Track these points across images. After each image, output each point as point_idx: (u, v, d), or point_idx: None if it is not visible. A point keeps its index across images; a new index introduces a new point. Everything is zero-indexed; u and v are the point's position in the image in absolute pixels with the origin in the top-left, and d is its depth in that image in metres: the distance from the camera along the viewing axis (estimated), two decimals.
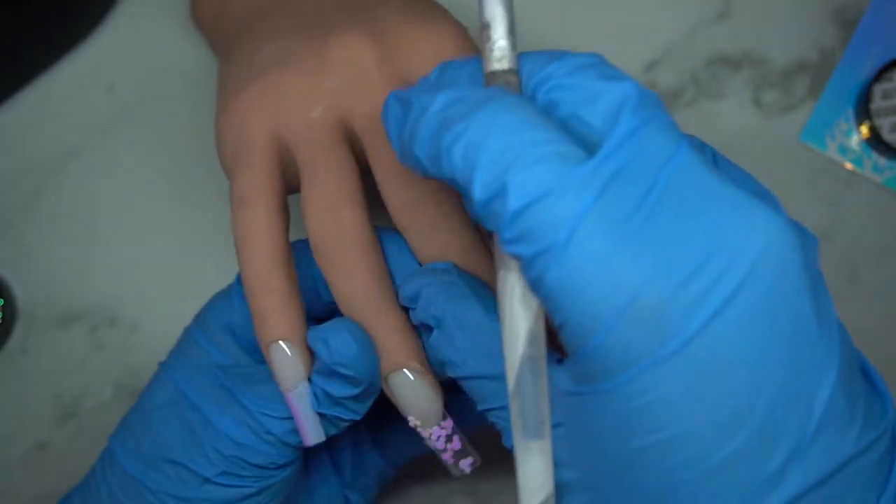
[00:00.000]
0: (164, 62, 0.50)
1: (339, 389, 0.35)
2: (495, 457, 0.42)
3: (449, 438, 0.36)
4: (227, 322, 0.39)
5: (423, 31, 0.37)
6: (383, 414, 0.41)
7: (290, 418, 0.36)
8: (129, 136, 0.50)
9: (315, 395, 0.35)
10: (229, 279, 0.49)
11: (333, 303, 0.38)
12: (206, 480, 0.36)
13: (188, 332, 0.40)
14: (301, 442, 0.36)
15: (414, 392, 0.35)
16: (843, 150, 0.51)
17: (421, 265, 0.36)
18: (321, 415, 0.35)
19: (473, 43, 0.38)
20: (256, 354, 0.39)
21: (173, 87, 0.50)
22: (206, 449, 0.36)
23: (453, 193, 0.35)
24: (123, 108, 0.50)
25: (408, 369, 0.35)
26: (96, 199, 0.49)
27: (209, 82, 0.49)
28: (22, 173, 0.49)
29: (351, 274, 0.35)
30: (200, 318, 0.40)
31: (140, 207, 0.49)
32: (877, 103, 0.50)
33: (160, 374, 0.39)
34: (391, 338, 0.35)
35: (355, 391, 0.35)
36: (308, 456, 0.41)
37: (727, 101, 0.50)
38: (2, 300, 0.48)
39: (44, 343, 0.49)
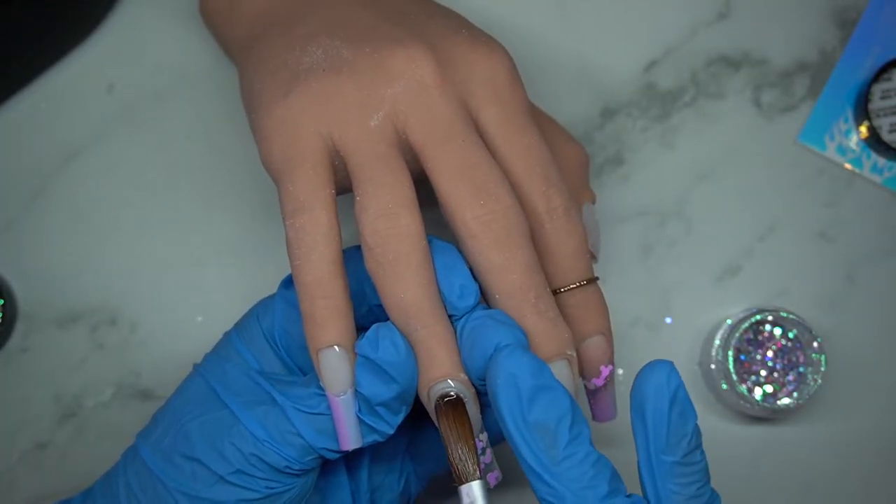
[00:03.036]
0: (164, 62, 0.50)
1: (378, 392, 0.35)
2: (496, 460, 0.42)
3: (483, 451, 0.36)
4: (267, 330, 0.39)
5: (478, 53, 0.38)
6: (416, 428, 0.42)
7: (322, 415, 0.36)
8: (129, 136, 0.50)
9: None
10: (230, 279, 0.49)
11: (378, 306, 0.38)
12: (220, 479, 0.36)
13: (227, 336, 0.40)
14: (326, 446, 0.36)
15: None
16: (842, 150, 0.51)
17: (479, 273, 0.36)
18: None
19: (516, 66, 0.39)
20: (292, 365, 0.40)
21: (173, 87, 0.50)
22: (225, 445, 0.36)
23: (522, 213, 0.36)
24: (123, 108, 0.50)
25: (454, 380, 0.35)
26: (96, 199, 0.49)
27: (210, 82, 0.49)
28: (22, 173, 0.49)
29: (404, 282, 0.35)
30: (241, 324, 0.40)
31: (140, 207, 0.49)
32: (876, 103, 0.50)
33: (192, 373, 0.39)
34: (437, 349, 0.35)
35: (390, 395, 0.35)
36: (328, 487, 0.41)
37: (727, 101, 0.50)
38: (2, 300, 0.48)
39: (44, 343, 0.49)
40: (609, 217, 0.50)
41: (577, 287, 0.38)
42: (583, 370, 0.39)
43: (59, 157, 0.49)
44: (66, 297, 0.49)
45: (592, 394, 0.39)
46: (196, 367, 0.40)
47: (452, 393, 0.35)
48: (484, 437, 0.36)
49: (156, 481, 0.37)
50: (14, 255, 0.49)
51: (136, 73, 0.50)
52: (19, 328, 0.49)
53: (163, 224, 0.49)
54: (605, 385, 0.39)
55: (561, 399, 0.33)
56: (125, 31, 0.50)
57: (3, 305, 0.48)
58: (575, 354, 0.36)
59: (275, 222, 0.48)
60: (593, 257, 0.44)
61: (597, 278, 0.38)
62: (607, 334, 0.39)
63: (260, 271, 0.48)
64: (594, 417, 0.40)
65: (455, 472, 0.34)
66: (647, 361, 0.49)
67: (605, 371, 0.39)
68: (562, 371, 0.36)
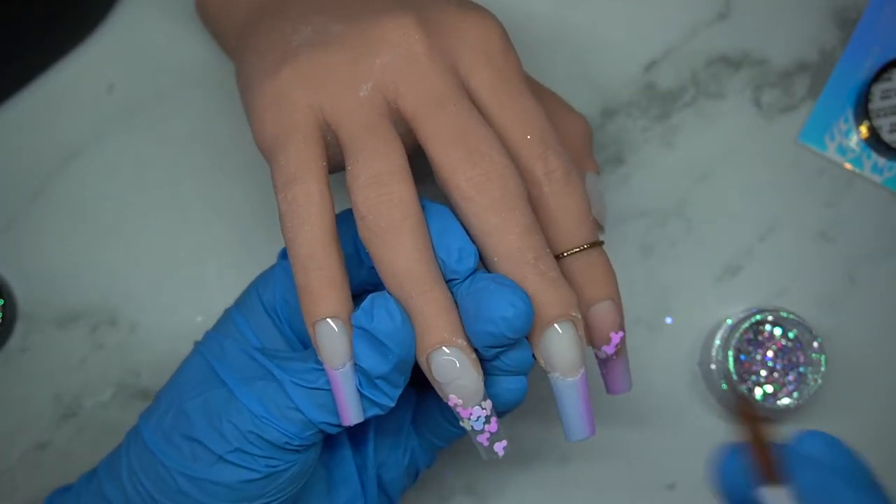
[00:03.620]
0: (164, 62, 0.50)
1: (376, 364, 0.35)
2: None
3: (487, 419, 0.35)
4: (268, 302, 0.39)
5: (468, 21, 0.37)
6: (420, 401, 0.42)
7: (321, 390, 0.36)
8: (129, 136, 0.50)
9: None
10: (229, 279, 0.49)
11: (372, 269, 0.38)
12: (219, 459, 0.36)
13: (228, 312, 0.40)
14: (326, 420, 0.36)
15: (457, 370, 0.34)
16: (843, 150, 0.51)
17: (476, 237, 0.36)
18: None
19: (507, 33, 0.38)
20: (293, 338, 0.39)
21: (173, 87, 0.50)
22: (223, 423, 0.36)
23: (518, 174, 0.36)
24: (123, 108, 0.50)
25: (452, 346, 0.34)
26: (96, 199, 0.49)
27: (210, 81, 0.50)
28: (22, 173, 0.49)
29: (398, 249, 0.35)
30: (241, 299, 0.40)
31: (140, 207, 0.49)
32: (876, 103, 0.50)
33: (193, 351, 0.39)
34: (436, 315, 0.34)
35: (389, 366, 0.35)
36: (332, 461, 0.41)
37: (727, 101, 0.50)
38: (2, 300, 0.48)
39: (44, 343, 0.49)
40: (609, 217, 0.50)
41: (581, 251, 0.37)
42: (592, 339, 0.37)
43: (59, 157, 0.49)
44: (66, 297, 0.49)
45: (604, 363, 0.38)
46: (196, 344, 0.39)
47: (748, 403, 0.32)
48: (487, 404, 0.35)
49: (156, 462, 0.37)
50: (14, 255, 0.49)
51: (136, 73, 0.50)
52: (19, 328, 0.49)
53: (163, 224, 0.49)
54: (616, 353, 0.38)
55: None
56: (125, 31, 0.50)
57: (3, 305, 0.48)
58: (580, 316, 0.35)
59: (275, 221, 0.48)
60: (600, 227, 0.43)
61: (601, 242, 0.37)
62: (616, 299, 0.37)
63: (260, 271, 0.47)
64: (608, 390, 0.38)
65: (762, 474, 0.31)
66: (648, 361, 0.50)
67: (616, 338, 0.37)
68: (567, 333, 0.35)
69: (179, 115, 0.50)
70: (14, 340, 0.49)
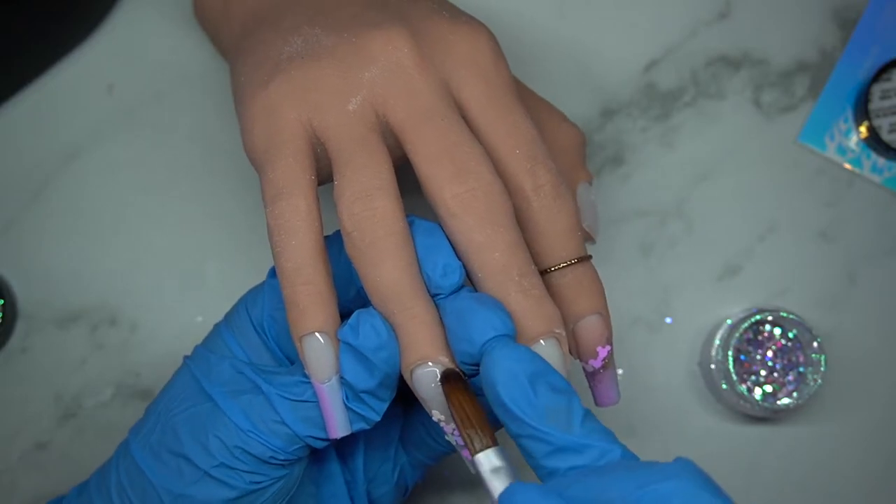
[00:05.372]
0: (164, 62, 0.50)
1: (362, 379, 0.35)
2: None
3: None
4: (256, 319, 0.39)
5: (459, 34, 0.37)
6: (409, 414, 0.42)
7: (307, 402, 0.36)
8: (129, 136, 0.50)
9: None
10: (229, 279, 0.49)
11: (362, 290, 0.38)
12: (204, 475, 0.36)
13: (216, 328, 0.40)
14: (312, 434, 0.36)
15: (439, 387, 0.34)
16: (842, 150, 0.51)
17: (461, 253, 0.35)
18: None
19: (499, 45, 0.38)
20: (280, 355, 0.40)
21: (173, 87, 0.50)
22: (209, 438, 0.36)
23: (505, 191, 0.36)
24: (123, 108, 0.50)
25: (433, 362, 0.34)
26: (96, 199, 0.49)
27: (209, 82, 0.49)
28: (22, 173, 0.49)
29: (381, 265, 0.35)
30: (230, 315, 0.40)
31: (140, 207, 0.49)
32: (875, 103, 0.50)
33: (182, 366, 0.39)
34: (419, 330, 0.34)
35: (374, 381, 0.35)
36: (321, 477, 0.41)
37: (727, 101, 0.50)
38: (2, 300, 0.48)
39: (44, 343, 0.49)
40: (609, 217, 0.50)
41: (568, 266, 0.37)
42: (579, 353, 0.38)
43: (59, 157, 0.49)
44: (66, 297, 0.49)
45: (591, 377, 0.38)
46: (185, 359, 0.39)
47: (440, 371, 0.34)
48: None
49: (143, 478, 0.37)
50: (14, 255, 0.49)
51: (136, 73, 0.50)
52: (19, 328, 0.49)
53: (163, 224, 0.49)
54: (603, 367, 0.38)
55: (561, 381, 0.32)
56: (125, 31, 0.50)
57: (3, 305, 0.48)
58: (564, 333, 0.35)
59: None
60: (591, 238, 0.43)
61: (590, 256, 0.38)
62: (604, 313, 0.37)
63: (260, 271, 0.47)
64: (596, 402, 0.39)
65: (468, 445, 0.33)
66: (648, 361, 0.50)
67: (603, 352, 0.37)
68: (551, 350, 0.35)
69: (179, 116, 0.50)
70: (14, 340, 0.49)
